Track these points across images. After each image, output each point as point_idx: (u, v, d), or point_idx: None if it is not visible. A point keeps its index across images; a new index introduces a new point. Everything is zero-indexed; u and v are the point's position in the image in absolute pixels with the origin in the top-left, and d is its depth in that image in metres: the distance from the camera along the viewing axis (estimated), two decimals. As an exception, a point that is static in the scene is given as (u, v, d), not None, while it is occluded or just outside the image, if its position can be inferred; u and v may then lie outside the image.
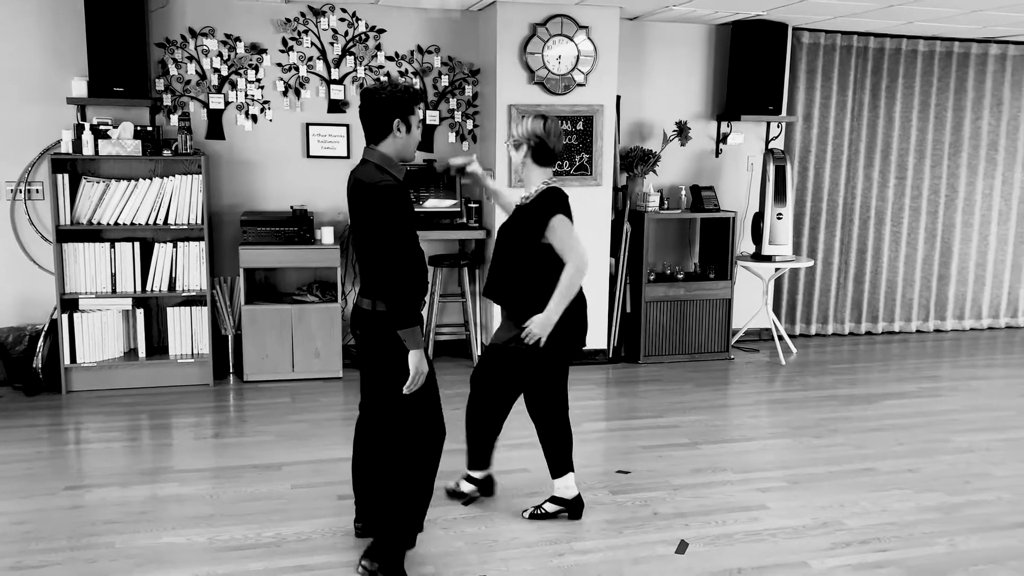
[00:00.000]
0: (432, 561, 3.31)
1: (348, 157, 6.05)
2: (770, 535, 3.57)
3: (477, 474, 3.86)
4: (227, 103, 5.85)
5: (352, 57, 6.01)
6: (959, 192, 7.43)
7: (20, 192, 5.59)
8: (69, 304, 5.45)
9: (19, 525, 3.56)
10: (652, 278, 6.41)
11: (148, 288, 5.53)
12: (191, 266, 5.56)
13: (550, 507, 3.71)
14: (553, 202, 3.44)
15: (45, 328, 5.47)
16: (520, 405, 3.76)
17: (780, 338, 6.82)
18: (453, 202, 6.09)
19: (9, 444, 4.53)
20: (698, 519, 3.71)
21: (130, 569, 3.21)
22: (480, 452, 3.81)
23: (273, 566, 3.25)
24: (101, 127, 5.35)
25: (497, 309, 5.98)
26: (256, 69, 5.86)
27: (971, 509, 3.87)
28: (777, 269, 6.61)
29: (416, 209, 5.99)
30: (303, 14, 5.87)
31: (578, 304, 3.53)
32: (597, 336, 6.25)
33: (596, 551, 3.41)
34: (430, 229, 5.98)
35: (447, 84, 6.20)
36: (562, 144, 3.60)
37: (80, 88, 5.36)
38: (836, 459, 4.47)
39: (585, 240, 6.17)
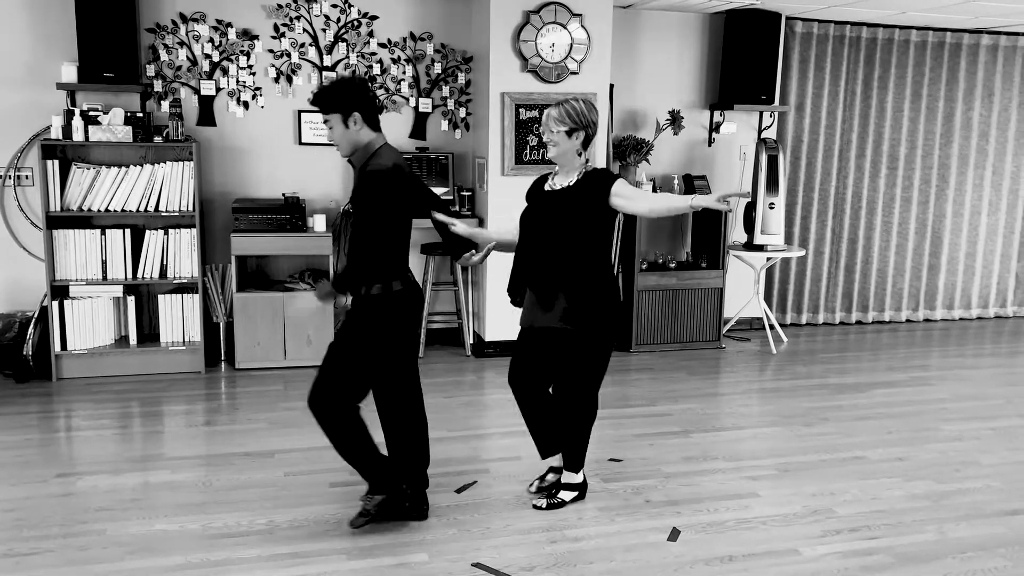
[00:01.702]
0: (425, 548, 3.32)
1: (340, 144, 6.01)
2: (761, 523, 3.59)
3: (556, 461, 3.82)
4: (218, 89, 5.81)
5: (344, 44, 5.98)
6: (950, 182, 7.45)
7: (9, 178, 5.55)
8: (59, 291, 5.42)
9: (10, 512, 3.55)
10: (644, 267, 6.42)
11: (139, 275, 5.50)
12: (182, 253, 5.53)
13: (567, 495, 3.74)
14: (608, 174, 3.53)
15: (35, 315, 5.44)
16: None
17: (771, 327, 6.84)
18: (445, 190, 6.08)
19: (-1, 431, 4.52)
20: (689, 507, 3.73)
21: (122, 556, 3.21)
22: (550, 438, 3.77)
23: (266, 553, 3.25)
24: (91, 113, 5.32)
25: (493, 297, 6.00)
26: (248, 55, 5.82)
27: (960, 497, 3.90)
28: (769, 258, 6.63)
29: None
30: (295, 0, 5.84)
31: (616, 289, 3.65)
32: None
33: (588, 538, 3.43)
34: (422, 217, 5.93)
35: (440, 72, 6.17)
36: None
37: (70, 73, 5.32)
38: (826, 447, 4.49)
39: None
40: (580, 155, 3.54)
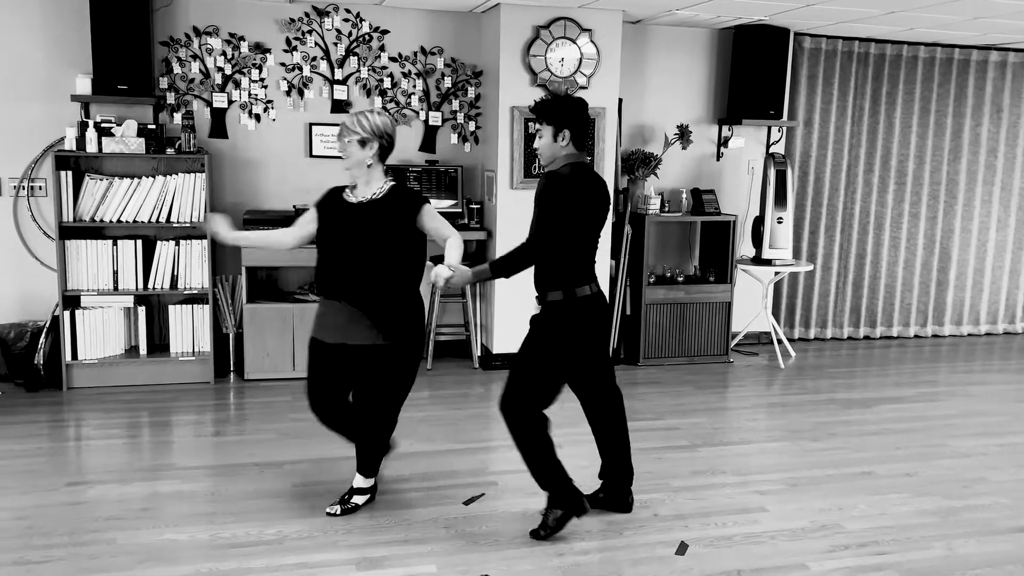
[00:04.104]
0: (433, 559, 3.32)
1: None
2: (769, 537, 3.59)
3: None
4: (230, 102, 5.87)
5: (355, 58, 6.03)
6: (958, 198, 7.45)
7: (23, 189, 5.61)
8: (71, 301, 5.46)
9: (21, 521, 3.57)
10: (652, 281, 6.43)
11: (150, 286, 5.54)
12: (193, 264, 5.57)
13: (360, 499, 3.77)
14: (414, 193, 3.62)
15: (47, 325, 5.48)
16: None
17: (779, 342, 6.84)
18: (454, 202, 6.11)
19: (10, 440, 4.54)
20: (697, 521, 3.73)
21: (132, 565, 3.23)
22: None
23: (275, 563, 3.26)
24: (105, 125, 5.37)
25: (501, 310, 6.02)
26: (260, 68, 5.88)
27: (969, 513, 3.89)
28: (777, 273, 6.63)
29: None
30: (307, 14, 5.89)
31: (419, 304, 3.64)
32: (597, 338, 6.27)
33: (596, 551, 3.43)
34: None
35: (450, 86, 6.22)
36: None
37: (84, 86, 5.37)
38: (834, 462, 4.49)
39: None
40: (371, 167, 3.48)
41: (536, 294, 3.56)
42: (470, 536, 3.54)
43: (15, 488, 3.92)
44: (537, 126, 3.52)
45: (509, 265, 3.48)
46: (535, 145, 3.57)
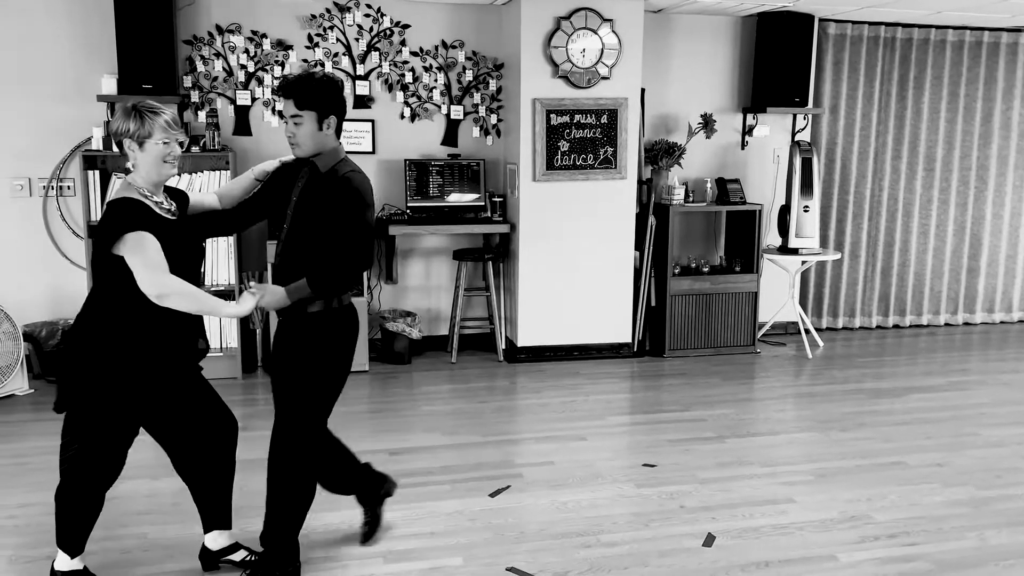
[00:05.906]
0: (459, 552, 3.33)
1: (374, 152, 6.08)
2: (797, 528, 3.56)
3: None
4: (254, 99, 5.90)
5: (377, 53, 6.04)
6: (989, 184, 7.33)
7: (52, 189, 5.68)
8: (100, 299, 5.52)
9: (53, 515, 3.62)
10: (677, 271, 6.39)
11: (177, 283, 5.59)
12: (219, 261, 5.62)
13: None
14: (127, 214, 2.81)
15: (77, 322, 5.55)
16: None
17: (807, 332, 6.77)
18: (476, 196, 6.11)
19: (43, 436, 4.60)
20: (725, 512, 3.71)
21: (163, 559, 3.27)
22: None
23: (302, 556, 3.28)
24: (130, 124, 5.41)
25: (525, 303, 6.02)
26: (282, 65, 5.90)
27: (1001, 503, 3.83)
28: (804, 262, 6.57)
29: (440, 204, 6.03)
30: (328, 10, 5.91)
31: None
32: (622, 330, 6.25)
33: (623, 543, 3.42)
34: (454, 223, 6.02)
35: (471, 79, 6.21)
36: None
37: (110, 86, 5.43)
38: (863, 453, 4.44)
39: (610, 234, 6.21)
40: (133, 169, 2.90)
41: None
42: (496, 528, 3.55)
43: (48, 483, 3.96)
44: (296, 111, 2.95)
45: (329, 286, 3.05)
46: (289, 132, 3.01)
